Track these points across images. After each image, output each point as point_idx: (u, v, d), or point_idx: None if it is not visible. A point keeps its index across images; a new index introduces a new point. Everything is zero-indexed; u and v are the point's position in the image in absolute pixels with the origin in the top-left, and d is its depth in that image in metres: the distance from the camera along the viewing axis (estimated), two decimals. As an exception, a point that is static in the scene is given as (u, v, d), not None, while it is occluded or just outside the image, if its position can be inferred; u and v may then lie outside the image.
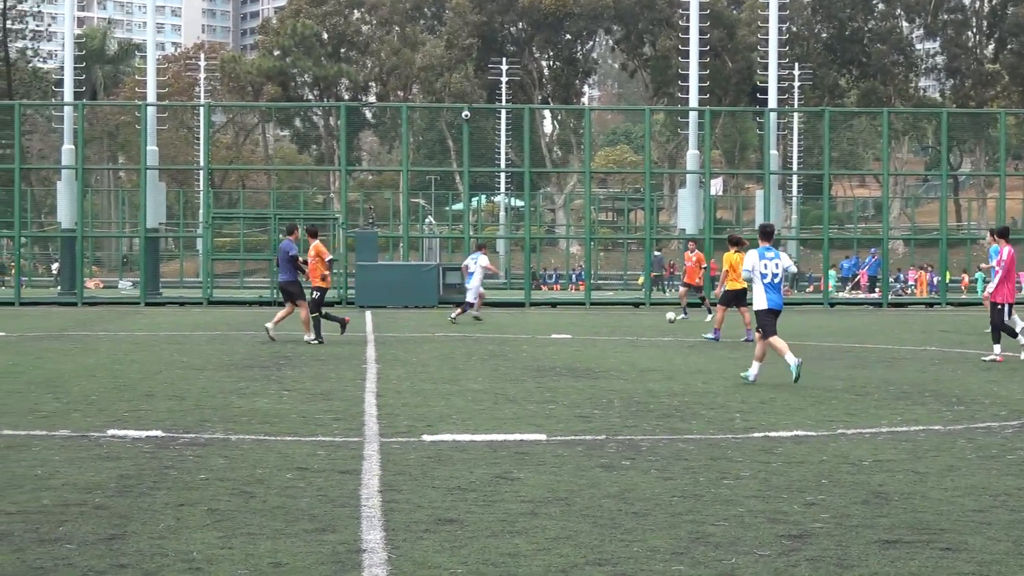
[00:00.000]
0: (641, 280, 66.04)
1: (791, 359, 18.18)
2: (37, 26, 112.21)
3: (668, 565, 7.58)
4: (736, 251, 26.69)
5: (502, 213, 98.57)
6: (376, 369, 20.68)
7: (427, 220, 69.05)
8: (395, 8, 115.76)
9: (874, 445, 12.48)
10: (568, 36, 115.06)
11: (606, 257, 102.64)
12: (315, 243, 27.97)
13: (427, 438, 12.72)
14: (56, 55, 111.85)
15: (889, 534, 8.44)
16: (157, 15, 58.19)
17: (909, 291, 72.40)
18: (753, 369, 18.65)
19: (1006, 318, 23.63)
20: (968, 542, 8.23)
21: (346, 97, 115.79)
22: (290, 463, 11.14)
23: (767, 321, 18.69)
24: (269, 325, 27.21)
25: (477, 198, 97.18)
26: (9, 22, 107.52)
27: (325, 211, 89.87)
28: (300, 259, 27.66)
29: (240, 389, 17.22)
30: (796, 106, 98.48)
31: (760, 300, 18.84)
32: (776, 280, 18.85)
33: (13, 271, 53.35)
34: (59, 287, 57.99)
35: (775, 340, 18.50)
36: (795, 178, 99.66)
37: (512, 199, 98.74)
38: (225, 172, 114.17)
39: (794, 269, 20.47)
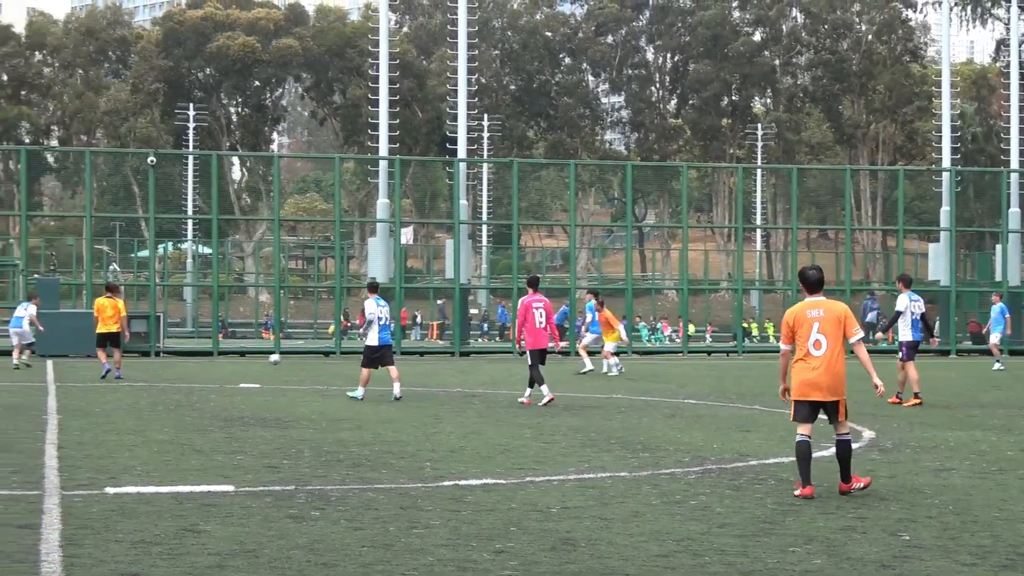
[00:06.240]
0: (332, 329, 65.69)
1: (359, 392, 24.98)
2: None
3: (358, 617, 7.49)
4: None
5: (189, 260, 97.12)
6: (57, 420, 20.03)
7: (111, 267, 67.45)
8: (78, 51, 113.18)
9: (562, 492, 12.61)
10: (257, 83, 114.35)
11: (296, 305, 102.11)
12: None
13: (110, 490, 12.37)
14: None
15: (577, 580, 8.51)
16: None
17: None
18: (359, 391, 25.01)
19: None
20: (653, 586, 8.35)
21: (27, 141, 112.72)
22: (-37, 519, 10.67)
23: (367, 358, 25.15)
24: None
25: (164, 245, 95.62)
26: None
27: (5, 257, 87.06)
28: None
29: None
30: (485, 156, 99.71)
31: (371, 338, 24.90)
32: (383, 323, 24.85)
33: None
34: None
35: (365, 371, 25.12)
36: (484, 227, 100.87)
37: (200, 246, 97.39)
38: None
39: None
